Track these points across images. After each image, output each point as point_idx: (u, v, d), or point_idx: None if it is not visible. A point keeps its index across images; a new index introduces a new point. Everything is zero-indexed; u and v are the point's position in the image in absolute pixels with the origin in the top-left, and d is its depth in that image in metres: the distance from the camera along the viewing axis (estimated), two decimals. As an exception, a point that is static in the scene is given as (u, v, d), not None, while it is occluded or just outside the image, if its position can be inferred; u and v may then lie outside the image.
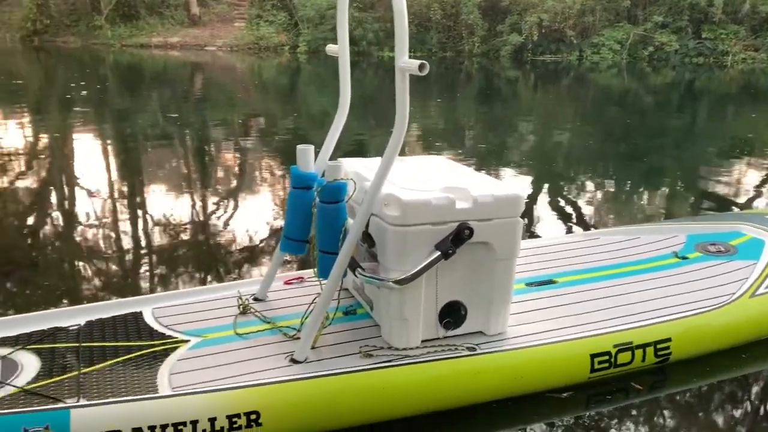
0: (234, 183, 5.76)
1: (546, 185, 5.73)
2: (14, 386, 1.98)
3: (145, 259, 3.80)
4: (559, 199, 5.21)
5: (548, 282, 2.87)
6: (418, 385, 2.16)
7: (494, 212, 2.22)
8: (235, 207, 4.93)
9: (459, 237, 2.17)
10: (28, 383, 2.01)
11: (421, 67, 1.93)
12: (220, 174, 6.13)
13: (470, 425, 2.21)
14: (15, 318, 2.38)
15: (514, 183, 5.50)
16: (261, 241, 4.11)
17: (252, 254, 3.88)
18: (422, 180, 2.36)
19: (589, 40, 19.66)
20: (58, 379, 2.03)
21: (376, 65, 17.99)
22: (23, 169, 6.08)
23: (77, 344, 2.23)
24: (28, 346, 2.20)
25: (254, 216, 4.65)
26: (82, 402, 1.91)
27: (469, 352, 2.26)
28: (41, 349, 2.19)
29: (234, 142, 7.65)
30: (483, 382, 2.24)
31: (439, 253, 2.16)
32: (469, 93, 13.33)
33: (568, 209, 4.95)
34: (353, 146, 6.81)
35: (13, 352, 2.17)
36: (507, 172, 6.02)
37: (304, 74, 16.72)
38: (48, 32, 22.80)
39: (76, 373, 2.07)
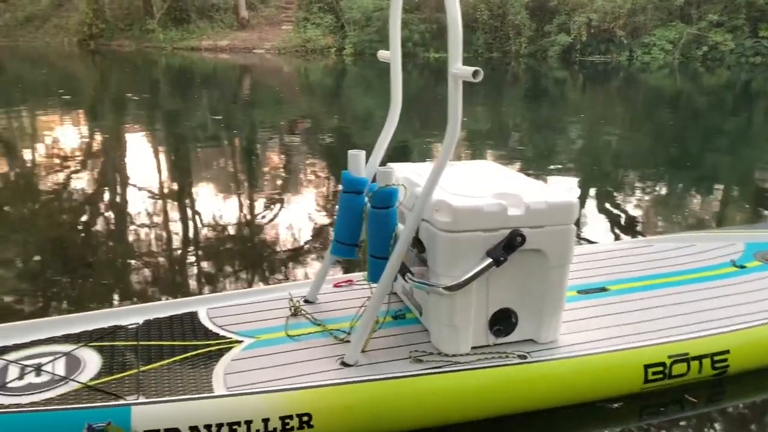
0: (282, 185, 5.85)
1: (594, 189, 5.64)
2: (78, 382, 2.06)
3: (198, 260, 3.89)
4: (608, 203, 5.11)
5: (600, 290, 2.83)
6: (468, 392, 2.15)
7: (547, 219, 2.20)
8: (284, 208, 5.00)
9: (511, 244, 2.16)
10: (91, 379, 2.08)
11: (475, 74, 1.93)
12: (269, 176, 6.23)
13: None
14: (77, 316, 2.47)
15: (567, 189, 5.42)
16: (310, 243, 4.16)
17: (301, 256, 3.94)
18: (473, 186, 2.35)
19: (639, 39, 19.22)
20: (118, 376, 2.11)
21: (422, 66, 17.98)
22: (79, 168, 6.30)
23: (136, 342, 2.31)
24: (90, 344, 2.29)
25: (302, 218, 4.71)
26: (142, 399, 1.97)
27: (519, 360, 2.24)
28: (102, 347, 2.28)
29: (280, 143, 7.77)
30: (534, 390, 2.22)
31: (491, 260, 2.15)
32: (516, 94, 13.19)
33: (617, 214, 4.85)
34: (397, 148, 6.83)
35: (76, 348, 2.25)
36: (554, 175, 5.94)
37: (350, 76, 16.84)
38: (103, 36, 23.59)
39: (135, 370, 2.14)
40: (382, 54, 2.58)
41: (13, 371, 2.10)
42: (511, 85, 14.72)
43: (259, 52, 21.60)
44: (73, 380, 2.07)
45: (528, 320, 2.33)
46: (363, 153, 2.48)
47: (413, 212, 2.16)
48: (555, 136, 8.39)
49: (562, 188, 5.36)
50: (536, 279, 2.27)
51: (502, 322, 2.29)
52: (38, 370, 2.11)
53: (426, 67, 18.05)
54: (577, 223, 2.31)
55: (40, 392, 2.01)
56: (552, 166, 6.42)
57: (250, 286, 3.48)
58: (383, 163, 2.50)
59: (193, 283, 3.55)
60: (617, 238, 4.28)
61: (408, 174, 2.51)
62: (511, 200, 2.20)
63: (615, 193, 5.45)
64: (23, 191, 5.45)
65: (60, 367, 2.14)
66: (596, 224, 4.53)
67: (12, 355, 2.19)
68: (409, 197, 2.38)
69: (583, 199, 5.16)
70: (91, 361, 2.19)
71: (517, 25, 19.92)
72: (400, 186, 2.35)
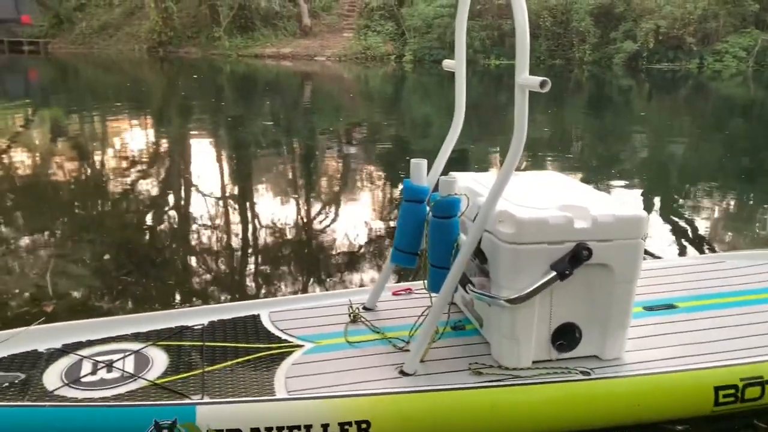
0: (340, 191, 5.91)
1: (660, 201, 5.46)
2: (146, 380, 2.13)
3: (259, 264, 3.97)
4: (675, 216, 4.94)
5: (669, 306, 2.73)
6: (529, 406, 2.12)
7: (614, 233, 2.14)
8: (342, 215, 5.05)
9: (576, 257, 2.11)
10: (158, 378, 2.15)
11: (542, 84, 1.90)
12: (329, 182, 6.31)
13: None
14: (146, 315, 2.56)
15: (635, 202, 5.26)
16: (368, 250, 4.19)
17: (359, 262, 3.96)
18: (538, 197, 2.32)
19: (711, 47, 18.56)
20: (184, 375, 2.17)
21: (482, 73, 17.88)
22: (145, 171, 6.54)
23: (201, 343, 2.37)
24: (158, 343, 2.36)
25: (360, 224, 4.75)
26: (206, 399, 2.02)
27: (582, 377, 2.19)
28: (169, 346, 2.35)
29: (339, 149, 7.86)
30: (596, 408, 2.16)
31: (555, 273, 2.11)
32: (579, 102, 12.94)
33: (685, 228, 4.69)
34: (455, 155, 6.80)
35: (145, 347, 2.33)
36: (618, 186, 5.79)
37: (409, 83, 16.89)
38: (172, 43, 24.46)
39: (200, 371, 2.20)
40: (447, 63, 2.57)
41: (86, 366, 2.20)
42: (573, 93, 14.45)
43: (320, 59, 21.94)
44: (141, 378, 2.14)
45: (592, 336, 2.27)
46: (425, 162, 2.48)
47: (476, 223, 2.14)
48: (619, 146, 8.17)
49: (631, 201, 5.21)
50: (602, 294, 2.22)
51: (566, 336, 2.24)
52: (110, 366, 2.20)
53: (486, 74, 17.93)
54: (645, 237, 2.24)
55: (111, 388, 2.09)
56: (616, 177, 6.25)
57: (308, 291, 3.53)
58: (445, 172, 2.49)
59: (254, 286, 3.62)
60: (684, 252, 4.13)
61: (470, 184, 2.49)
62: (577, 212, 2.16)
63: (683, 206, 5.26)
64: (93, 192, 5.69)
65: (130, 365, 2.22)
66: (662, 238, 4.39)
67: (86, 351, 2.29)
68: (472, 207, 2.36)
69: (648, 211, 5.00)
70: (159, 360, 2.26)
71: (581, 31, 19.56)
72: (462, 196, 2.34)
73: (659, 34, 18.66)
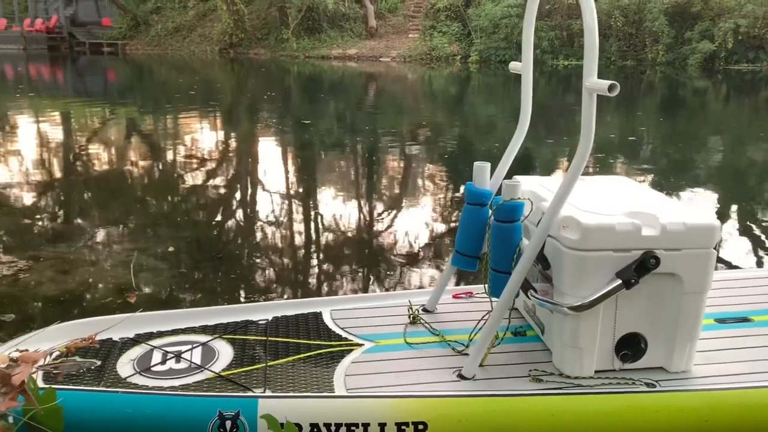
0: (402, 192, 5.93)
1: (737, 209, 5.22)
2: (212, 371, 2.21)
3: (321, 262, 4.05)
4: (751, 224, 4.71)
5: (743, 320, 2.61)
6: (590, 416, 2.07)
7: (685, 242, 2.07)
8: (403, 216, 5.08)
9: (643, 266, 2.05)
10: (223, 370, 2.23)
11: (611, 88, 1.86)
12: (391, 182, 6.34)
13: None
14: (213, 309, 2.66)
15: (707, 210, 5.06)
16: (429, 252, 4.19)
17: (420, 264, 3.97)
18: (605, 203, 2.26)
19: (795, 46, 17.60)
20: (248, 368, 2.24)
21: (549, 74, 17.56)
22: (214, 169, 6.75)
23: (265, 338, 2.44)
24: (224, 336, 2.44)
25: (421, 226, 4.76)
26: (268, 393, 2.08)
27: (647, 389, 2.13)
28: (234, 340, 2.42)
29: (401, 150, 7.88)
30: (661, 421, 2.09)
31: (621, 281, 2.05)
32: (650, 104, 12.52)
33: (761, 237, 4.47)
34: (519, 157, 6.71)
35: (211, 340, 2.42)
36: (691, 192, 5.58)
37: (474, 84, 16.77)
38: (242, 45, 25.14)
39: (263, 365, 2.26)
40: (514, 65, 2.55)
41: (156, 356, 2.30)
42: (645, 94, 13.99)
43: (386, 60, 22.06)
44: (207, 369, 2.22)
45: (658, 347, 2.20)
46: (488, 165, 2.46)
47: (539, 228, 2.11)
48: (692, 150, 7.86)
49: (703, 208, 5.01)
50: (669, 304, 2.15)
51: (630, 346, 2.18)
52: (178, 357, 2.29)
53: (553, 74, 17.60)
54: (717, 247, 2.15)
55: (179, 378, 2.18)
56: (689, 183, 6.02)
57: (369, 290, 3.57)
58: (509, 176, 2.46)
59: (317, 285, 3.69)
60: (762, 264, 3.94)
61: (534, 188, 2.46)
62: (645, 220, 2.10)
63: (759, 214, 5.02)
64: (166, 188, 5.93)
65: (197, 356, 2.30)
66: (738, 247, 4.20)
67: (156, 342, 2.40)
68: (535, 212, 2.33)
69: (724, 219, 4.80)
70: (224, 353, 2.33)
71: (654, 31, 18.92)
72: (525, 200, 2.31)
73: (739, 34, 17.82)
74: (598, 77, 1.90)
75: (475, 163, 2.45)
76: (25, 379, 1.57)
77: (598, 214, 2.13)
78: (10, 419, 1.72)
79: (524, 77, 2.47)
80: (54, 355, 2.21)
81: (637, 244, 2.06)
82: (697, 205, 5.14)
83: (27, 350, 2.00)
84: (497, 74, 17.90)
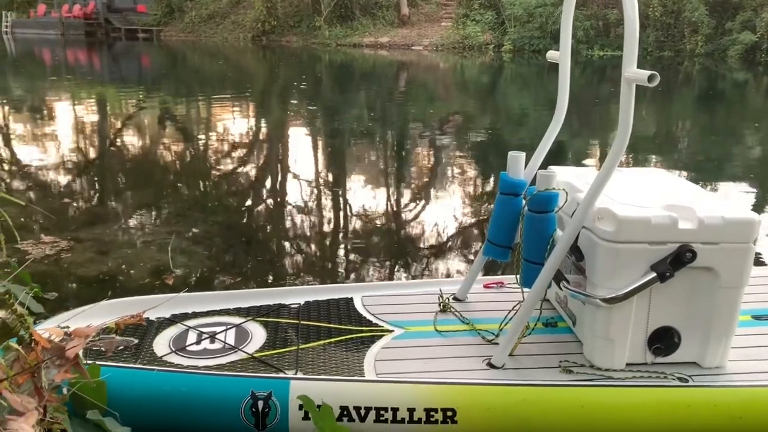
0: (432, 181, 5.93)
1: (776, 204, 5.10)
2: (245, 352, 2.25)
3: (352, 249, 4.07)
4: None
5: None
6: (620, 409, 2.06)
7: (722, 236, 2.04)
8: (434, 205, 5.07)
9: (679, 259, 2.03)
10: (256, 351, 2.27)
11: (650, 78, 1.83)
12: (421, 171, 6.34)
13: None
14: (247, 292, 2.70)
15: (746, 204, 4.96)
16: (459, 242, 4.19)
17: (451, 253, 3.98)
18: (641, 195, 2.24)
19: (842, 38, 17.02)
20: (280, 351, 2.27)
21: (584, 64, 17.28)
22: (247, 155, 6.82)
23: (297, 321, 2.47)
24: (257, 318, 2.49)
25: (452, 215, 4.75)
26: (300, 375, 2.11)
27: (680, 383, 2.11)
28: (267, 322, 2.47)
29: (432, 139, 7.86)
30: (693, 416, 2.07)
31: (655, 274, 2.03)
32: (688, 96, 12.26)
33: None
34: (551, 147, 6.64)
35: (245, 322, 2.46)
36: (726, 187, 5.46)
37: (507, 73, 16.60)
38: (274, 32, 25.25)
39: (295, 347, 2.29)
40: (552, 54, 2.52)
41: (191, 336, 2.35)
42: (682, 86, 13.69)
43: (417, 48, 21.95)
44: (241, 350, 2.26)
45: (692, 341, 2.18)
46: (523, 154, 2.45)
47: (574, 219, 2.10)
48: (730, 144, 7.69)
49: (742, 202, 4.90)
50: (705, 299, 2.12)
51: (663, 340, 2.16)
52: (212, 338, 2.34)
53: (588, 65, 17.33)
54: (756, 242, 2.12)
55: (213, 358, 2.22)
56: (724, 176, 5.90)
57: (398, 278, 3.59)
58: (543, 167, 2.45)
59: (348, 271, 3.72)
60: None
61: (569, 178, 2.44)
62: (682, 213, 2.07)
63: (800, 211, 4.90)
64: (200, 174, 6.01)
65: (231, 337, 2.35)
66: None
67: (191, 322, 2.45)
68: (570, 203, 2.32)
69: (760, 212, 4.69)
70: (257, 335, 2.38)
71: (693, 22, 18.48)
72: (560, 190, 2.30)
73: (782, 25, 17.30)
74: None
75: (510, 153, 2.44)
76: (79, 353, 1.63)
77: (634, 206, 2.11)
78: (64, 390, 1.78)
79: (562, 66, 2.45)
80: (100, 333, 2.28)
81: (673, 237, 2.04)
82: (734, 199, 5.03)
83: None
84: (531, 64, 17.68)
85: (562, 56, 2.44)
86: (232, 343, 2.31)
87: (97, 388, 1.75)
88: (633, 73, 1.89)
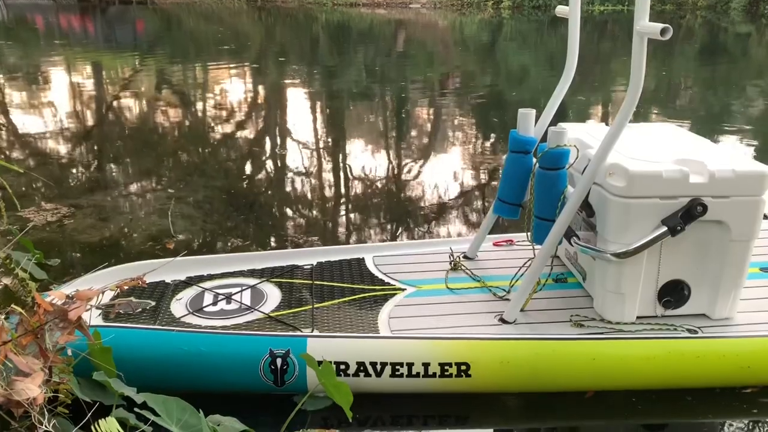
0: (437, 142, 5.90)
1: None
2: (262, 312, 2.29)
3: (364, 210, 4.09)
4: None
5: None
6: (631, 361, 2.11)
7: (733, 189, 2.06)
8: (441, 166, 5.06)
9: (690, 213, 2.05)
10: (272, 311, 2.31)
11: (663, 32, 1.83)
12: (423, 132, 6.31)
13: (674, 407, 2.12)
14: (260, 254, 2.73)
15: (751, 157, 4.97)
16: (466, 201, 4.21)
17: (459, 212, 4.00)
18: (652, 150, 2.25)
19: None
20: (296, 310, 2.32)
21: (584, 20, 17.00)
22: (246, 119, 6.78)
23: (310, 281, 2.51)
24: (271, 279, 2.52)
25: (460, 175, 4.75)
26: (316, 333, 2.16)
27: (689, 334, 2.15)
28: (282, 283, 2.50)
29: (432, 98, 7.80)
30: (702, 366, 2.12)
31: (666, 228, 2.06)
32: (690, 50, 12.12)
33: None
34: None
35: (260, 283, 2.50)
36: (728, 140, 5.46)
37: (506, 30, 16.35)
38: (269, -8, 24.71)
39: (309, 306, 2.33)
40: (561, 9, 2.50)
41: (208, 298, 2.39)
42: (684, 40, 13.51)
43: (415, 6, 21.57)
44: (257, 310, 2.30)
45: (702, 294, 2.21)
46: (533, 111, 2.45)
47: (585, 175, 2.11)
48: (732, 98, 7.64)
49: (748, 156, 4.91)
50: (715, 252, 2.15)
51: (673, 293, 2.20)
52: (228, 298, 2.38)
53: (588, 20, 17.06)
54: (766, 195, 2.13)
55: (230, 318, 2.27)
56: (726, 130, 5.89)
57: (410, 238, 3.61)
58: (553, 123, 2.45)
59: (359, 231, 3.74)
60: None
61: (580, 135, 2.45)
62: (693, 167, 2.08)
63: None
64: (201, 139, 5.98)
65: (246, 298, 2.39)
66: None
67: (207, 284, 2.48)
68: (581, 159, 2.33)
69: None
70: (272, 295, 2.42)
71: (695, -27, 18.15)
72: (571, 147, 2.30)
73: (787, -25, 17.00)
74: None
75: (520, 110, 2.44)
76: (82, 315, 1.66)
77: (645, 161, 2.12)
78: (69, 352, 1.82)
79: (571, 22, 2.43)
80: (109, 296, 2.32)
81: (684, 191, 2.05)
82: (743, 152, 5.04)
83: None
84: (530, 20, 17.42)
85: (572, 11, 2.41)
86: (249, 304, 2.35)
87: (103, 350, 1.79)
88: (645, 26, 1.88)
